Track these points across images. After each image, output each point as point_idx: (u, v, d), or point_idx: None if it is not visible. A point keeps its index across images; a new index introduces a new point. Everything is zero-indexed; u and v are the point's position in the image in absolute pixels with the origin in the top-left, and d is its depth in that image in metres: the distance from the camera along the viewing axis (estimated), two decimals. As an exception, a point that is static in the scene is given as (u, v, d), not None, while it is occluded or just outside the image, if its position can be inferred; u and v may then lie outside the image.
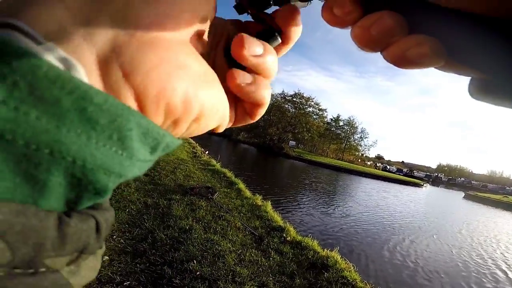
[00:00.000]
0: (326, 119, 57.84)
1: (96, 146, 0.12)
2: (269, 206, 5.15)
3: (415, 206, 15.61)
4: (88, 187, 0.12)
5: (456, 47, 0.14)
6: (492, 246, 9.11)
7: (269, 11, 0.22)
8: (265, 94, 0.20)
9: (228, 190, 6.01)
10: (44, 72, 0.10)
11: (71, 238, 0.12)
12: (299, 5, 0.22)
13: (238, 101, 0.21)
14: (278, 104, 51.84)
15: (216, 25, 0.21)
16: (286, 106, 52.25)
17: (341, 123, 60.20)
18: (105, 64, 0.13)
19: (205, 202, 4.58)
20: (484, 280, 5.80)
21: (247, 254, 3.08)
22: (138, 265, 2.46)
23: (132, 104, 0.14)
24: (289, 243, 3.67)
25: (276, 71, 0.21)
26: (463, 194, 34.43)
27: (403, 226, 9.35)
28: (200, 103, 0.16)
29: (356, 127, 60.28)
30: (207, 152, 13.19)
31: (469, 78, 0.16)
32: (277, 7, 0.22)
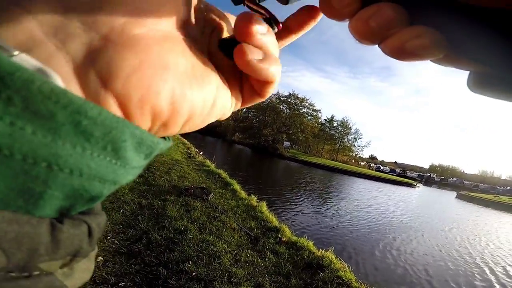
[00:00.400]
0: (320, 120, 58.29)
1: (91, 157, 0.12)
2: (264, 206, 5.15)
3: (407, 206, 15.80)
4: (83, 195, 0.12)
5: (457, 39, 0.14)
6: (481, 245, 9.28)
7: (268, 7, 0.22)
8: (276, 71, 0.19)
9: (223, 191, 5.99)
10: (38, 87, 0.10)
11: (64, 243, 0.12)
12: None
13: (245, 80, 0.20)
14: (273, 105, 51.97)
15: (204, 9, 0.20)
16: (281, 106, 52.45)
17: (335, 124, 60.66)
18: (82, 72, 0.12)
19: (200, 203, 4.56)
20: (475, 281, 5.90)
21: (243, 255, 3.07)
22: (133, 266, 2.44)
23: (116, 111, 0.13)
24: (285, 243, 3.68)
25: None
26: (455, 194, 34.95)
27: (396, 226, 9.46)
28: (189, 103, 0.16)
29: (350, 127, 60.82)
30: (201, 153, 13.12)
31: (468, 72, 0.16)
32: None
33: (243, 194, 5.97)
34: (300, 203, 10.12)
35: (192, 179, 6.59)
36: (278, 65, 0.19)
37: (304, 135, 51.97)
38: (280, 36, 0.23)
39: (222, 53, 0.19)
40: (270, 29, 0.19)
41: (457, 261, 6.87)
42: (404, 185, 36.08)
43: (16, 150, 0.10)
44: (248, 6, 0.22)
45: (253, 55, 0.17)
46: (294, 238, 3.86)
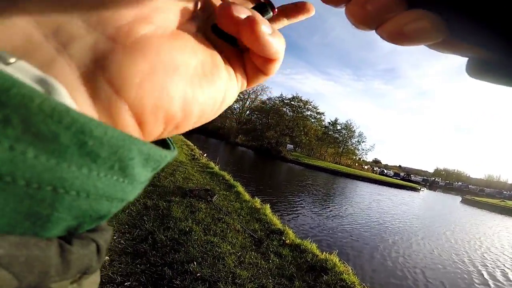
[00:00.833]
0: (324, 123, 58.13)
1: (98, 177, 0.11)
2: (268, 209, 5.17)
3: (410, 210, 15.69)
4: (91, 215, 0.12)
5: (456, 22, 0.13)
6: (494, 253, 9.18)
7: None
8: (283, 46, 0.18)
9: (227, 193, 6.02)
10: (38, 105, 0.09)
11: (74, 264, 0.12)
12: None
13: (247, 60, 0.20)
14: (276, 108, 52.04)
15: None
16: (284, 109, 52.47)
17: (338, 127, 60.52)
18: (90, 81, 0.12)
19: (204, 205, 4.60)
20: None
21: (247, 257, 3.09)
22: (138, 265, 2.47)
23: (129, 119, 0.13)
24: (288, 246, 3.69)
25: None
26: (460, 198, 34.60)
27: (400, 230, 9.40)
28: (200, 104, 0.16)
29: (354, 131, 60.64)
30: (205, 155, 13.19)
31: (466, 59, 0.16)
32: None
33: (247, 196, 6.00)
34: (303, 205, 10.11)
35: (196, 180, 6.64)
36: (284, 41, 0.19)
37: (307, 138, 51.89)
38: (273, 20, 0.23)
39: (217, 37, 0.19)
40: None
41: (464, 267, 6.81)
42: (408, 189, 35.74)
43: (19, 176, 0.09)
44: None
45: (265, 28, 0.16)
46: (298, 241, 3.87)
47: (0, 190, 0.09)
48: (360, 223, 9.16)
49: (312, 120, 53.96)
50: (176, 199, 4.59)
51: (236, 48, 0.19)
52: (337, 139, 60.91)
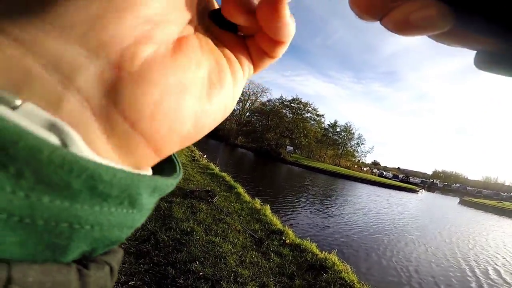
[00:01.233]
0: (323, 125, 58.30)
1: (109, 212, 0.12)
2: (268, 209, 5.23)
3: (405, 211, 15.76)
4: (104, 242, 0.13)
5: (464, 10, 0.13)
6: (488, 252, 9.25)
7: None
8: (294, 28, 0.18)
9: (228, 193, 6.07)
10: (48, 157, 0.09)
11: (91, 286, 0.13)
12: None
13: (251, 45, 0.19)
14: (276, 109, 52.16)
15: None
16: (284, 111, 52.59)
17: (338, 129, 60.58)
18: (104, 117, 0.12)
19: (205, 205, 4.65)
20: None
21: (248, 256, 3.14)
22: (142, 265, 2.52)
23: (146, 150, 0.13)
24: (288, 245, 3.75)
25: None
26: (458, 199, 34.76)
27: (398, 230, 9.46)
28: (211, 115, 0.16)
29: (353, 133, 60.75)
30: (205, 156, 13.23)
31: (474, 52, 0.16)
32: None
33: (247, 197, 6.05)
34: (303, 206, 10.16)
35: (196, 181, 6.69)
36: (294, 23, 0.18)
37: (307, 140, 51.98)
38: None
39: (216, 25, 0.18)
40: None
41: (461, 268, 6.88)
42: (407, 191, 35.89)
43: (37, 218, 0.10)
44: None
45: (287, 8, 0.16)
46: (298, 241, 3.93)
47: (22, 229, 0.09)
48: (359, 223, 9.23)
49: (312, 122, 54.10)
50: (177, 200, 4.64)
51: (237, 35, 0.19)
52: (337, 141, 61.02)
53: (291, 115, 52.29)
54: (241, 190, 6.55)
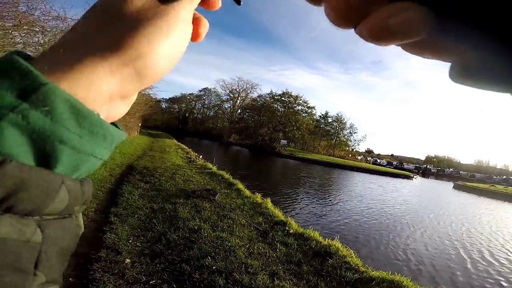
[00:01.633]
0: (315, 117, 58.68)
1: (97, 145, 0.18)
2: (269, 203, 5.37)
3: (401, 197, 16.16)
4: (82, 164, 0.18)
5: (443, 14, 0.12)
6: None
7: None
8: None
9: (228, 191, 6.19)
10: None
11: (86, 194, 0.19)
12: None
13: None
14: (267, 104, 52.23)
15: None
16: (275, 105, 52.73)
17: (330, 120, 60.97)
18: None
19: (208, 204, 4.77)
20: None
21: (255, 248, 3.29)
22: (158, 265, 2.64)
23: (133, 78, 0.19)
24: (293, 235, 3.90)
25: None
26: (452, 184, 35.48)
27: (394, 215, 9.75)
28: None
29: (345, 122, 61.19)
30: (201, 156, 13.29)
31: (449, 63, 0.15)
32: None
33: (248, 192, 6.18)
34: (301, 197, 10.38)
35: (196, 181, 6.78)
36: None
37: (300, 133, 52.22)
38: None
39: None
40: None
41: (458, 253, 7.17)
42: (402, 177, 36.52)
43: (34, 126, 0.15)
44: None
45: None
46: (301, 230, 4.09)
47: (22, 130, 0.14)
48: (357, 210, 9.48)
49: (304, 115, 54.39)
50: (180, 200, 4.75)
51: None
52: (329, 131, 61.41)
53: (282, 109, 52.45)
54: (241, 186, 6.67)
